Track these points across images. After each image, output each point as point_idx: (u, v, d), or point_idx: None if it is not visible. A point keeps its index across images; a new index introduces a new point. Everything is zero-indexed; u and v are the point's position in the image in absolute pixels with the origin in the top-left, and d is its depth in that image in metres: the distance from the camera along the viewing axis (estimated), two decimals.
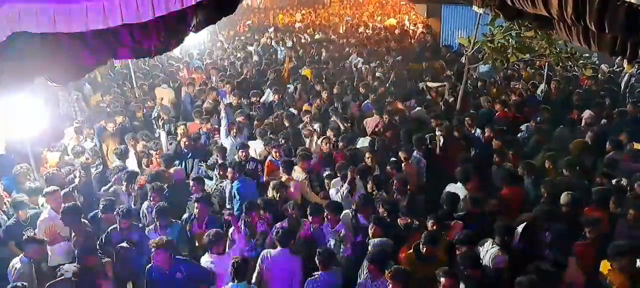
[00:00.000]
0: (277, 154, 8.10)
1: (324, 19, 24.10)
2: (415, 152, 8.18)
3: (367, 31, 20.17)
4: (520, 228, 5.95)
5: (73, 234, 6.26)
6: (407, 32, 20.35)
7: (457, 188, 7.04)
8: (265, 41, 18.26)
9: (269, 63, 14.71)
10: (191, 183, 7.36)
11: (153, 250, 5.38)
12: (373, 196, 6.89)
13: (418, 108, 10.61)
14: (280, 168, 7.70)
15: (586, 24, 3.91)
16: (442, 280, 4.90)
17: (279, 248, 5.74)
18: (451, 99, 11.04)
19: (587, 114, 9.56)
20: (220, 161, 8.11)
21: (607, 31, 3.78)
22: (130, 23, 3.87)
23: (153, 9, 3.76)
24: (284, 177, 7.51)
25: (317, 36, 19.44)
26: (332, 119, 9.51)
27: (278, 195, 6.97)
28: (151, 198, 6.90)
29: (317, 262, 5.48)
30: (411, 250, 5.65)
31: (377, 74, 12.98)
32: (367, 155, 7.97)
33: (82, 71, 4.97)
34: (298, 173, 7.70)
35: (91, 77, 12.42)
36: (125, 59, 6.48)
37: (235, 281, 5.21)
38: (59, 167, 7.95)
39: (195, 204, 6.64)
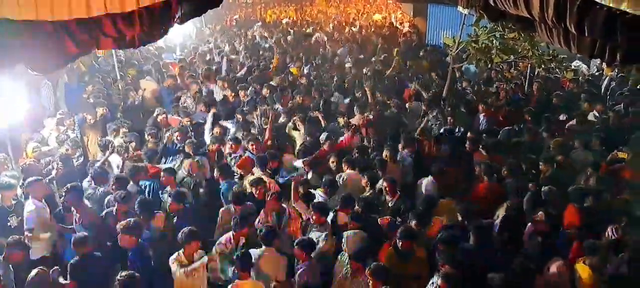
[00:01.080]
0: (254, 148, 8.08)
1: (311, 16, 24.05)
2: (405, 150, 8.19)
3: (353, 29, 20.16)
4: (498, 220, 6.07)
5: (78, 215, 6.19)
6: (397, 29, 20.38)
7: (427, 182, 7.17)
8: (250, 37, 18.17)
9: (256, 58, 14.63)
10: (162, 174, 7.28)
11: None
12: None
13: (415, 102, 10.65)
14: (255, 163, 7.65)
15: (567, 26, 3.98)
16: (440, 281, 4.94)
17: (263, 247, 5.74)
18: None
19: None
20: None
21: (586, 34, 3.85)
22: (114, 12, 3.85)
23: None
24: (257, 173, 7.47)
25: (308, 30, 19.41)
26: (312, 114, 9.53)
27: (257, 191, 6.92)
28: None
29: (296, 252, 5.53)
30: (391, 247, 5.70)
31: (365, 71, 13.00)
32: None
33: (64, 60, 4.91)
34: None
35: (74, 67, 12.28)
36: (109, 49, 6.41)
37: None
38: (36, 158, 7.82)
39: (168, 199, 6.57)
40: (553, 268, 5.42)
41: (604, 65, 12.46)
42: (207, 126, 9.07)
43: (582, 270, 5.32)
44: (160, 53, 15.68)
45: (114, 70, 11.88)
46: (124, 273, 4.86)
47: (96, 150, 8.68)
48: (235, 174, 7.66)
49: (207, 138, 8.83)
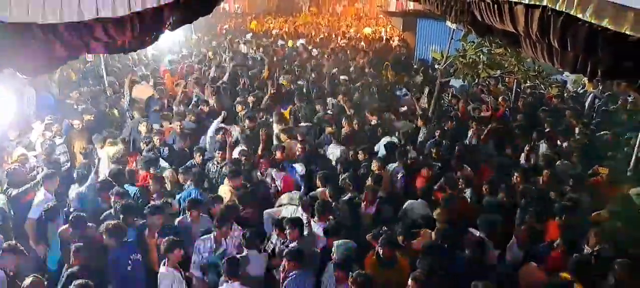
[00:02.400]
0: None
1: (301, 28, 24.21)
2: (397, 163, 8.20)
3: (343, 41, 20.31)
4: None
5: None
6: (388, 43, 20.56)
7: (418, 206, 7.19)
8: (236, 47, 18.19)
9: (242, 69, 14.64)
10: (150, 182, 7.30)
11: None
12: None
13: (404, 121, 10.63)
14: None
15: (550, 42, 4.08)
16: (410, 283, 5.01)
17: (245, 251, 5.77)
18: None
19: None
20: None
21: (569, 49, 3.94)
22: (105, 17, 3.87)
23: (129, 4, 3.78)
24: None
25: (298, 43, 19.50)
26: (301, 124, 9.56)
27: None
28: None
29: (286, 262, 5.54)
30: (374, 256, 5.74)
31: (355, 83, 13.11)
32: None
33: (54, 64, 4.93)
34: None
35: (64, 74, 12.24)
36: (98, 53, 6.40)
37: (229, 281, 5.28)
38: (21, 162, 7.74)
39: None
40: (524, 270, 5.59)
41: (585, 80, 12.66)
42: (211, 130, 9.07)
43: None
44: (157, 58, 15.61)
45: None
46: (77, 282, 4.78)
47: (82, 158, 8.59)
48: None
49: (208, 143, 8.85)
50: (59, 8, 3.61)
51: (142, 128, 9.14)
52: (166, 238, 5.60)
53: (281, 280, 5.63)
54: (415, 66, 16.54)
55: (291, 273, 5.52)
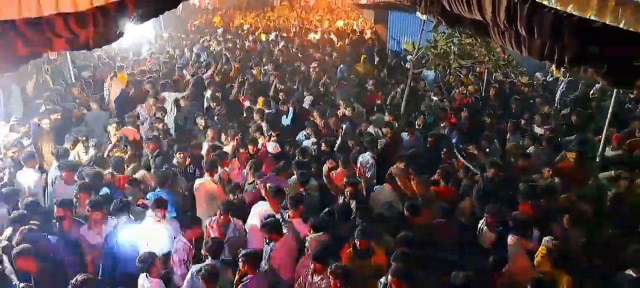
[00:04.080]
0: None
1: (273, 23, 24.06)
2: (368, 154, 8.22)
3: (315, 35, 20.26)
4: None
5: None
6: (362, 35, 20.57)
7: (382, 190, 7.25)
8: (206, 44, 18.00)
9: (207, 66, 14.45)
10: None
11: None
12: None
13: (378, 114, 10.60)
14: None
15: (518, 29, 4.10)
16: (390, 278, 5.01)
17: (209, 260, 5.65)
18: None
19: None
20: None
21: (536, 36, 3.97)
22: (65, 12, 3.75)
23: None
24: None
25: (263, 37, 19.35)
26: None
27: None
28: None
29: (241, 265, 5.44)
30: (350, 248, 5.74)
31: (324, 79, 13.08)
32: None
33: (16, 62, 4.77)
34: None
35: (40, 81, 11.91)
36: (61, 50, 6.22)
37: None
38: None
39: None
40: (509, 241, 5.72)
41: (553, 67, 12.85)
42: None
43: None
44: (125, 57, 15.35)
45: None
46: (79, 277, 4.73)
47: (51, 158, 8.38)
48: None
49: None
50: (16, 2, 3.48)
51: (111, 129, 8.94)
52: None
53: (235, 284, 5.52)
54: (387, 58, 16.67)
55: (245, 278, 5.43)
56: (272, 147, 8.33)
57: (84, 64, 13.99)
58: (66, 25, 3.95)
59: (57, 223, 6.24)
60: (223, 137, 8.90)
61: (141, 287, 5.37)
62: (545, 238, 5.69)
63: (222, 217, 6.31)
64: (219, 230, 6.29)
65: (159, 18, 18.13)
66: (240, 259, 5.46)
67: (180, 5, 22.42)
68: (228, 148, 8.38)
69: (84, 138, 8.49)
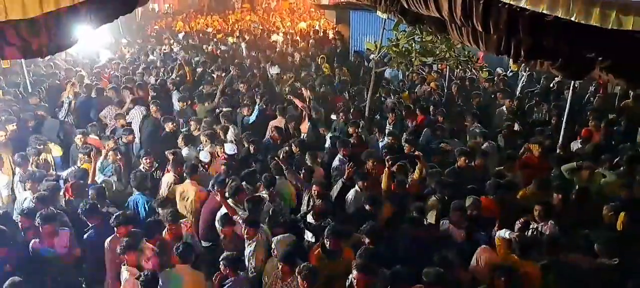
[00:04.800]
0: None
1: (235, 25, 23.91)
2: (340, 154, 8.20)
3: (277, 37, 20.21)
4: None
5: None
6: (326, 36, 20.60)
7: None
8: (166, 49, 17.76)
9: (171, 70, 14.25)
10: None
11: None
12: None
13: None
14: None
15: (474, 25, 4.17)
16: (355, 273, 5.01)
17: (179, 265, 5.55)
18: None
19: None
20: None
21: (492, 32, 4.05)
22: (15, 19, 3.63)
23: (41, 4, 3.56)
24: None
25: (230, 40, 19.18)
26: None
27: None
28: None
29: (221, 268, 5.41)
30: (319, 249, 5.73)
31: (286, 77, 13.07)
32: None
33: None
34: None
35: None
36: (14, 58, 6.01)
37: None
38: None
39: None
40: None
41: (511, 62, 13.17)
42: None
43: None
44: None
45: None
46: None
47: (9, 169, 8.09)
48: None
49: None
50: None
51: (78, 141, 8.68)
52: None
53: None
54: (350, 58, 16.74)
55: (227, 281, 5.41)
56: (229, 148, 8.27)
57: (43, 72, 13.57)
58: (17, 32, 3.82)
59: (23, 233, 6.12)
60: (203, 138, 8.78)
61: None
62: (502, 232, 5.78)
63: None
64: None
65: (118, 24, 17.86)
66: (221, 262, 5.42)
67: (139, 11, 22.18)
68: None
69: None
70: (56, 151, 8.66)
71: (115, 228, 5.92)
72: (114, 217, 6.00)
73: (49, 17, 3.82)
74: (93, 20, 4.26)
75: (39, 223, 5.91)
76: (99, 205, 6.49)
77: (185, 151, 8.44)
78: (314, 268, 5.16)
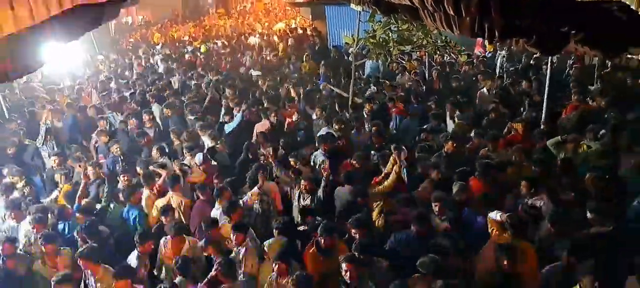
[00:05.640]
0: None
1: (210, 31, 23.75)
2: (319, 151, 8.18)
3: (254, 39, 20.11)
4: None
5: None
6: (304, 33, 20.52)
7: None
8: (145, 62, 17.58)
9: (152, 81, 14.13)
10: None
11: None
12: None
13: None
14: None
15: (446, 9, 4.13)
16: (343, 265, 4.99)
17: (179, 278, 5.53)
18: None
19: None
20: None
21: (464, 15, 4.00)
22: None
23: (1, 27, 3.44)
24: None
25: (203, 48, 19.03)
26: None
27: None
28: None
29: (215, 274, 5.35)
30: (313, 247, 5.69)
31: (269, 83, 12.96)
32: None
33: None
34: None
35: None
36: None
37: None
38: None
39: None
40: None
41: (486, 42, 13.22)
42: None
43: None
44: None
45: None
46: None
47: None
48: None
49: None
50: None
51: (53, 162, 8.59)
52: None
53: None
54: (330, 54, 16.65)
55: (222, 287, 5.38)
56: (198, 158, 8.16)
57: (19, 97, 13.37)
58: None
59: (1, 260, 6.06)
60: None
61: None
62: (493, 214, 5.77)
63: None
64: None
65: (92, 40, 17.66)
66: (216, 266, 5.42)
67: (112, 24, 21.95)
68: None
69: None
70: None
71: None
72: None
73: (11, 39, 3.70)
74: (59, 38, 4.14)
75: (41, 243, 6.04)
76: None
77: (161, 162, 8.31)
78: (307, 276, 5.10)
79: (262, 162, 7.97)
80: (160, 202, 7.10)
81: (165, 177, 7.53)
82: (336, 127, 8.94)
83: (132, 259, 5.97)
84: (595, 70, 11.18)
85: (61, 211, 7.17)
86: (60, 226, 6.94)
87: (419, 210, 6.04)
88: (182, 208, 7.16)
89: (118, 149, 8.90)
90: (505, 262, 5.06)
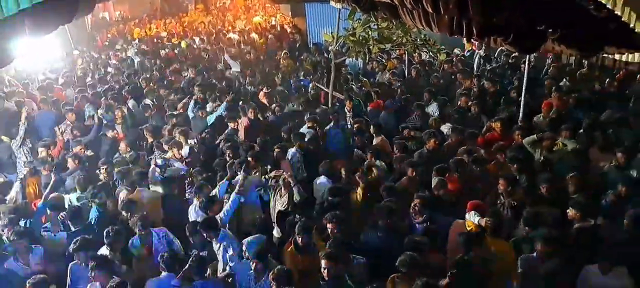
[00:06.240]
0: None
1: (189, 27, 23.50)
2: (294, 148, 8.16)
3: (232, 35, 19.97)
4: None
5: None
6: (284, 30, 20.43)
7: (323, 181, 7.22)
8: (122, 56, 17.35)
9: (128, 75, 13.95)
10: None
11: None
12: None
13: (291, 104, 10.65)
14: None
15: (424, 7, 4.13)
16: (323, 262, 4.98)
17: (164, 273, 5.45)
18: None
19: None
20: None
21: (442, 12, 4.01)
22: None
23: None
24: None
25: (183, 44, 18.82)
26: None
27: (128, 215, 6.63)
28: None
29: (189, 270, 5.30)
30: (292, 246, 5.68)
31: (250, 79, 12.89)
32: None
33: None
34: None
35: None
36: None
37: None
38: None
39: None
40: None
41: (465, 40, 13.31)
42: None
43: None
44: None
45: None
46: None
47: None
48: None
49: None
50: None
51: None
52: None
53: None
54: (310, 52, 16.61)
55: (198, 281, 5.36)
56: (185, 152, 8.33)
57: None
58: None
59: None
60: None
61: None
62: (471, 215, 5.81)
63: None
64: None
65: (67, 35, 17.34)
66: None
67: (89, 19, 21.56)
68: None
69: None
70: None
71: None
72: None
73: None
74: (31, 32, 4.03)
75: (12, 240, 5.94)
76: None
77: (128, 157, 8.39)
78: (286, 270, 5.08)
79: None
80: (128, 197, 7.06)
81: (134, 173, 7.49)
82: (309, 124, 8.98)
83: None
84: (569, 68, 11.37)
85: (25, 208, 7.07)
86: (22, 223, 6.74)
87: (386, 202, 6.08)
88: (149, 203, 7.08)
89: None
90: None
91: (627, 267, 4.98)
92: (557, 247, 5.06)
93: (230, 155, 7.86)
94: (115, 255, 5.88)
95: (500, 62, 13.09)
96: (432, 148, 7.81)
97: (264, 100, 10.86)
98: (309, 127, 8.94)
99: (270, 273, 5.02)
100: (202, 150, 8.65)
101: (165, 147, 8.52)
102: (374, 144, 8.30)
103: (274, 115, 10.13)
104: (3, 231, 6.45)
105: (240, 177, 6.87)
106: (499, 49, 13.08)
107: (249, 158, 7.50)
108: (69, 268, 5.77)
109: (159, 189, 7.39)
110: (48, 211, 6.95)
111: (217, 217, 6.38)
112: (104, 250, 5.89)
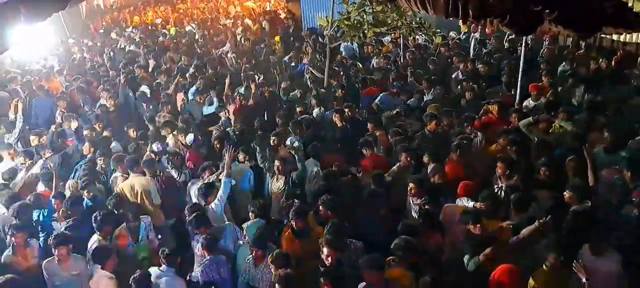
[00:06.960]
0: None
1: (184, 14, 23.32)
2: (292, 135, 8.13)
3: (227, 21, 19.83)
4: None
5: None
6: (278, 15, 20.28)
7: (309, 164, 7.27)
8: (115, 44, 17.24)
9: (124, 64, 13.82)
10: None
11: None
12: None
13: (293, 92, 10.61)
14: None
15: None
16: (325, 250, 5.01)
17: (164, 266, 5.46)
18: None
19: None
20: None
21: None
22: None
23: None
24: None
25: (172, 31, 18.68)
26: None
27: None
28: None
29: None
30: (289, 230, 5.72)
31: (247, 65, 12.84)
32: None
33: None
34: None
35: None
36: None
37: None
38: None
39: None
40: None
41: (460, 23, 13.27)
42: None
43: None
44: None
45: None
46: None
47: None
48: None
49: None
50: None
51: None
52: None
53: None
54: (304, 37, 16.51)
55: (205, 259, 5.51)
56: (189, 138, 8.38)
57: None
58: None
59: None
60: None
61: None
62: (463, 200, 5.86)
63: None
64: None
65: (62, 24, 17.22)
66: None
67: (84, 7, 21.36)
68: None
69: None
70: None
71: None
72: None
73: None
74: (26, 19, 3.98)
75: (10, 234, 5.88)
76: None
77: (113, 145, 8.50)
78: (284, 253, 5.15)
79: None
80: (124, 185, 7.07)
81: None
82: (300, 109, 9.11)
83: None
84: (567, 50, 11.32)
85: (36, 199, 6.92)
86: (35, 214, 6.69)
87: (370, 189, 6.23)
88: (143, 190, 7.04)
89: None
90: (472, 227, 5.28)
91: (618, 249, 5.00)
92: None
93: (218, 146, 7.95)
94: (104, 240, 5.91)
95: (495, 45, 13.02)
96: (433, 130, 7.81)
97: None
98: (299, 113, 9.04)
99: (269, 257, 5.09)
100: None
101: (163, 132, 8.60)
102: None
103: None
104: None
105: (226, 158, 6.83)
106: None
107: (272, 138, 7.83)
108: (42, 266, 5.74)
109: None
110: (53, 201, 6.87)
111: (211, 205, 6.38)
112: (95, 238, 5.92)
